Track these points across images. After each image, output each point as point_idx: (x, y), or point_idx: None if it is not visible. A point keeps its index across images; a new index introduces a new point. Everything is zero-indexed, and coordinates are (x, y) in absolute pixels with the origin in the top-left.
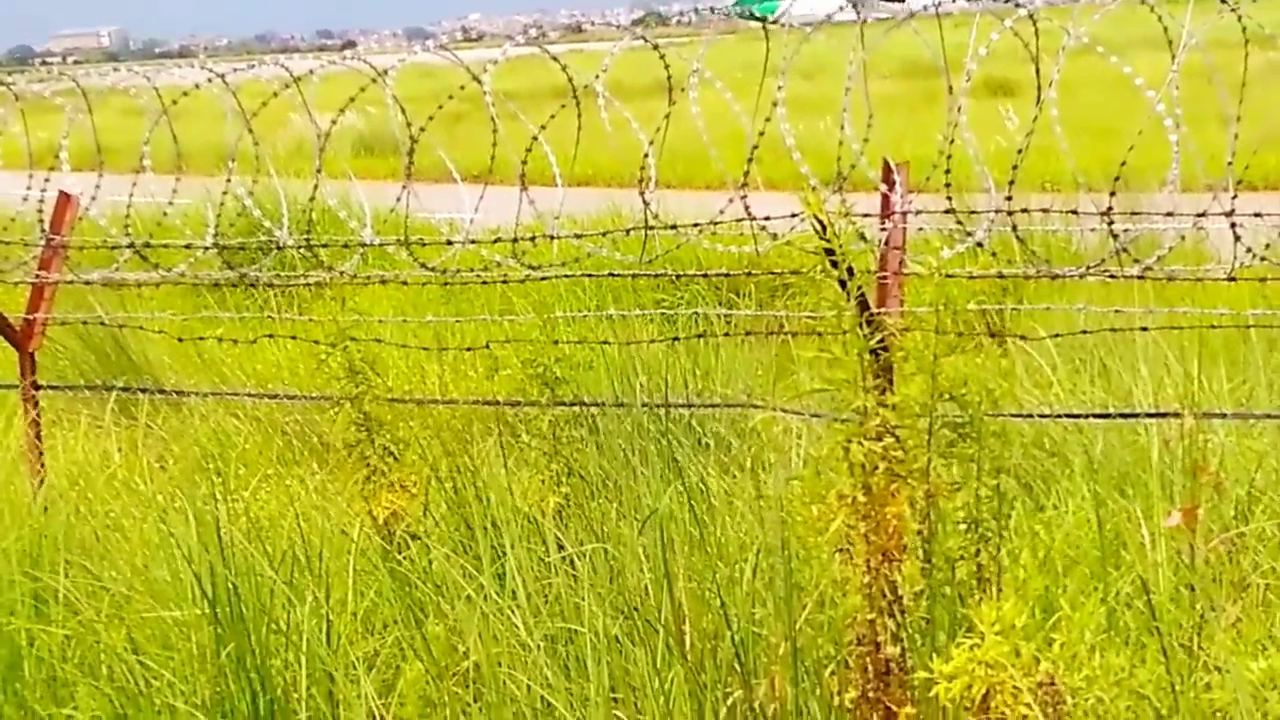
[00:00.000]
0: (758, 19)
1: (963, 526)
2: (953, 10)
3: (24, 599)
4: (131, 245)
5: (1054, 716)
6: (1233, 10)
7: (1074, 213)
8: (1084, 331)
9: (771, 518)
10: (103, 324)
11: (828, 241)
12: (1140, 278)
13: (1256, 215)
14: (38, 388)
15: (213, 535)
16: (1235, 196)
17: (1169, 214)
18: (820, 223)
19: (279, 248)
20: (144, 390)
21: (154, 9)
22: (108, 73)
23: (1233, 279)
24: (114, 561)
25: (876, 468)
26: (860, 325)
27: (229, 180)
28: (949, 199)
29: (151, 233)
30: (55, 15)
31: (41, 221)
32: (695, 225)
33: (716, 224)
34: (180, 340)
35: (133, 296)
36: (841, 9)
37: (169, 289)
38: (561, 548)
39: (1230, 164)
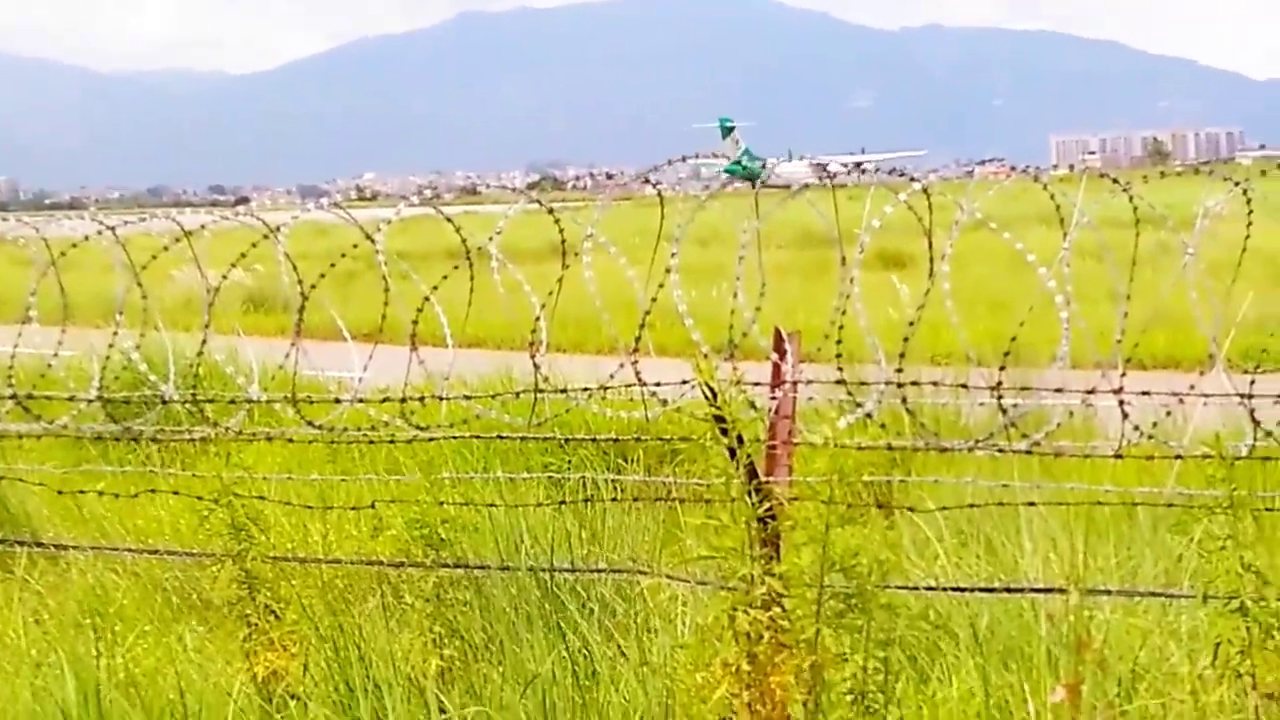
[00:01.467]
0: (749, 179)
1: (849, 698)
2: (847, 183)
3: None
4: (14, 397)
5: None
6: (1124, 190)
7: (964, 386)
8: (971, 505)
9: (656, 684)
10: None
11: (718, 409)
12: (1028, 452)
13: (1144, 394)
14: None
15: (90, 691)
16: (1124, 374)
17: (1058, 390)
18: (711, 390)
19: (164, 402)
20: (21, 543)
21: (45, 159)
22: None
23: (1120, 456)
24: None
25: (762, 637)
26: (748, 493)
27: (115, 333)
28: (840, 369)
29: (34, 384)
30: None
31: None
32: (585, 389)
33: (607, 389)
34: (60, 493)
35: (13, 448)
36: (825, 175)
37: (50, 441)
38: (443, 710)
39: (1119, 342)
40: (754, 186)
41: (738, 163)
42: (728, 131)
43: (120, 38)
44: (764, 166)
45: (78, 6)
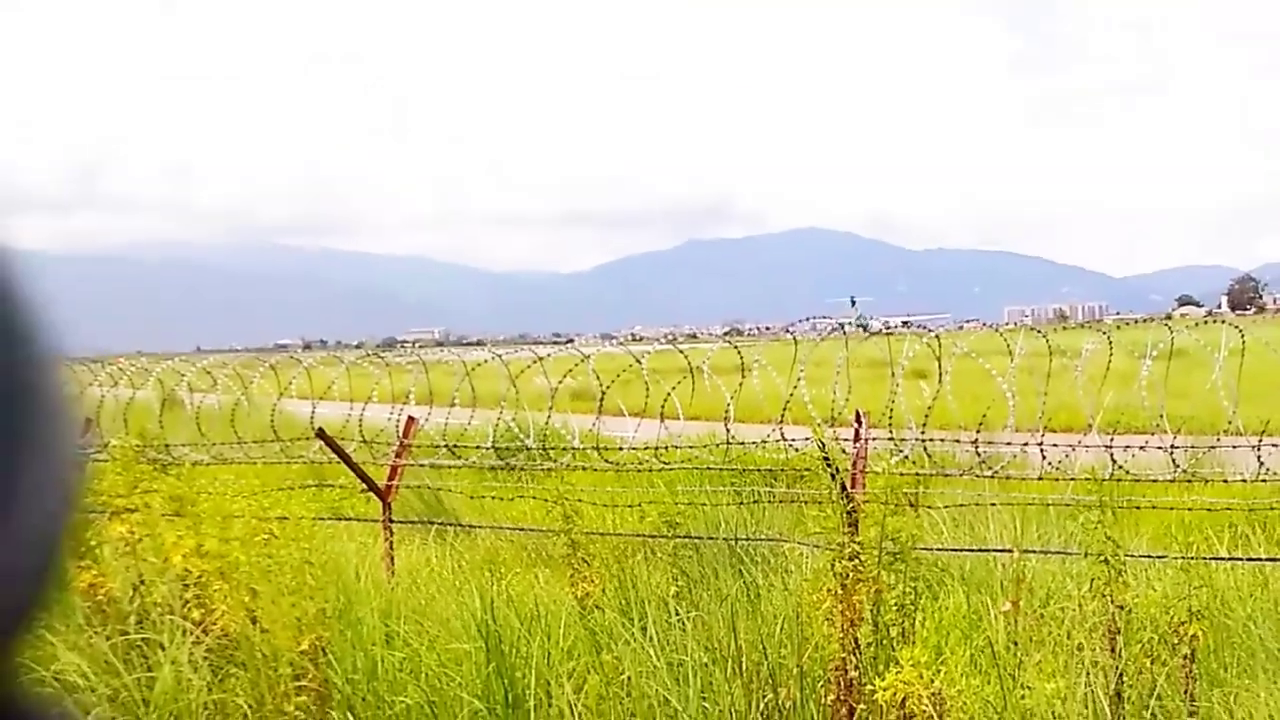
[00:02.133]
0: (860, 326)
1: (895, 607)
2: (894, 331)
3: (379, 636)
4: (446, 445)
5: (938, 712)
6: (1044, 337)
7: (957, 440)
8: (961, 505)
9: (791, 600)
10: (429, 488)
11: (825, 453)
12: (992, 476)
13: (1054, 445)
14: (392, 522)
15: (487, 604)
16: (1043, 434)
17: (1008, 443)
18: (821, 443)
19: (527, 449)
20: (450, 524)
21: (462, 319)
22: (436, 353)
23: (1041, 478)
24: (431, 617)
25: (848, 575)
26: (841, 498)
27: (500, 411)
28: (891, 431)
29: (457, 438)
30: (408, 319)
31: (397, 431)
32: (754, 442)
33: (765, 442)
34: (471, 498)
35: (446, 473)
36: (885, 328)
37: (466, 470)
38: (676, 614)
39: (1040, 417)
40: (845, 332)
41: (857, 320)
42: (853, 303)
43: (502, 251)
44: (864, 321)
45: (481, 232)
